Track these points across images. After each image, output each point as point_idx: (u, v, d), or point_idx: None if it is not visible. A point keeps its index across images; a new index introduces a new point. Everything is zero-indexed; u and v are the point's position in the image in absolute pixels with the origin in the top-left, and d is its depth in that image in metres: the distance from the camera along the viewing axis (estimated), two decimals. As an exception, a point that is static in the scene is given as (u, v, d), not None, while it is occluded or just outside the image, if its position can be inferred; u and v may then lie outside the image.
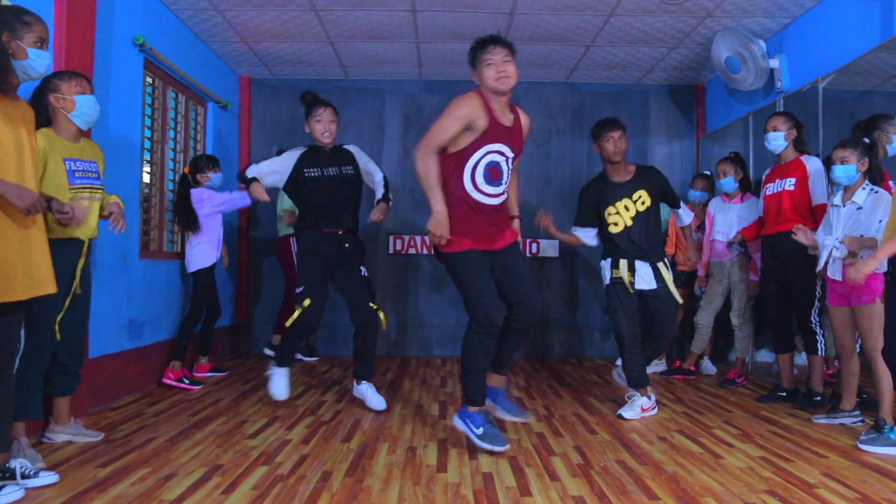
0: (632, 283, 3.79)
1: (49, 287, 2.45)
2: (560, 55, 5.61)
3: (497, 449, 2.91)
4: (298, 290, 3.72)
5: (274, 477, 2.60)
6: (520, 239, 3.29)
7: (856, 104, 4.74)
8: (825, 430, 3.45)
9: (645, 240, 3.82)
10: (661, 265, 3.84)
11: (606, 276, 3.89)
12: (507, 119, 3.08)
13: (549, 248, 6.25)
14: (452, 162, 3.01)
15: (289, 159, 3.82)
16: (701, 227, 5.12)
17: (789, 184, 4.06)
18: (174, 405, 3.89)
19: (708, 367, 5.30)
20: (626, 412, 3.71)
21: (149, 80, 4.59)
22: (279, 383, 3.81)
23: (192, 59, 5.13)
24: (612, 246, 3.88)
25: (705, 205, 5.12)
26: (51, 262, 2.48)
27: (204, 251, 4.58)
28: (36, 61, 2.45)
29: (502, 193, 3.07)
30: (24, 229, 2.35)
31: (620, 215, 3.82)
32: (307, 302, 3.66)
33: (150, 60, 4.44)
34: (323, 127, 3.77)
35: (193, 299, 4.61)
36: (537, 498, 2.41)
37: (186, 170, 4.68)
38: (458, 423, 3.05)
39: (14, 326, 2.40)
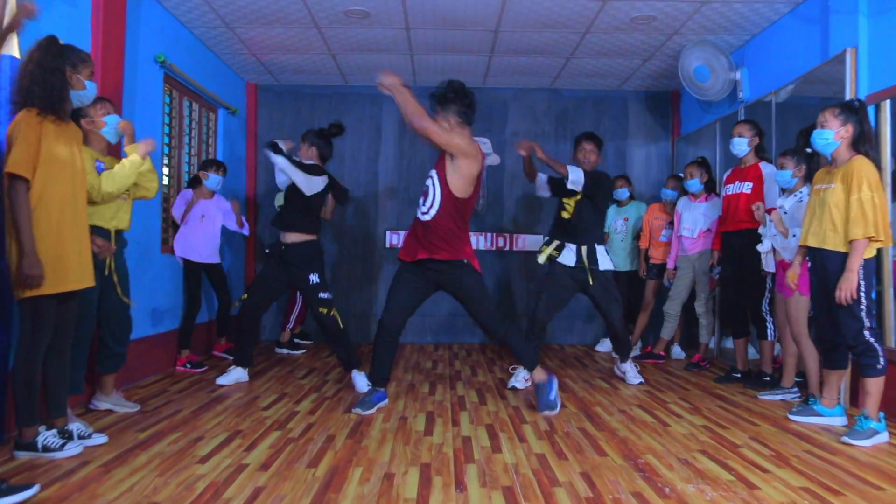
0: (553, 257, 4.43)
1: (91, 281, 2.92)
2: (543, 65, 6.08)
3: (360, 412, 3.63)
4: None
5: (286, 440, 3.09)
6: (452, 260, 3.60)
7: (817, 111, 5.17)
8: (766, 405, 3.94)
9: (581, 227, 4.42)
10: (584, 248, 4.40)
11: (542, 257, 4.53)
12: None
13: (533, 244, 6.71)
14: None
15: None
16: (670, 223, 5.60)
17: (747, 187, 4.55)
18: (193, 384, 4.38)
19: (678, 352, 5.81)
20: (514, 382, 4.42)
21: (167, 91, 5.05)
22: (227, 376, 4.38)
23: (205, 70, 5.59)
24: (555, 230, 4.55)
25: (675, 203, 5.60)
26: (92, 258, 2.95)
27: (182, 245, 4.99)
28: (90, 91, 2.93)
29: (427, 212, 3.58)
30: (79, 228, 2.81)
31: (569, 206, 4.50)
32: (244, 296, 4.45)
33: (169, 74, 4.91)
34: None
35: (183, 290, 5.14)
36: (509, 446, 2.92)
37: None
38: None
39: (70, 312, 2.88)
